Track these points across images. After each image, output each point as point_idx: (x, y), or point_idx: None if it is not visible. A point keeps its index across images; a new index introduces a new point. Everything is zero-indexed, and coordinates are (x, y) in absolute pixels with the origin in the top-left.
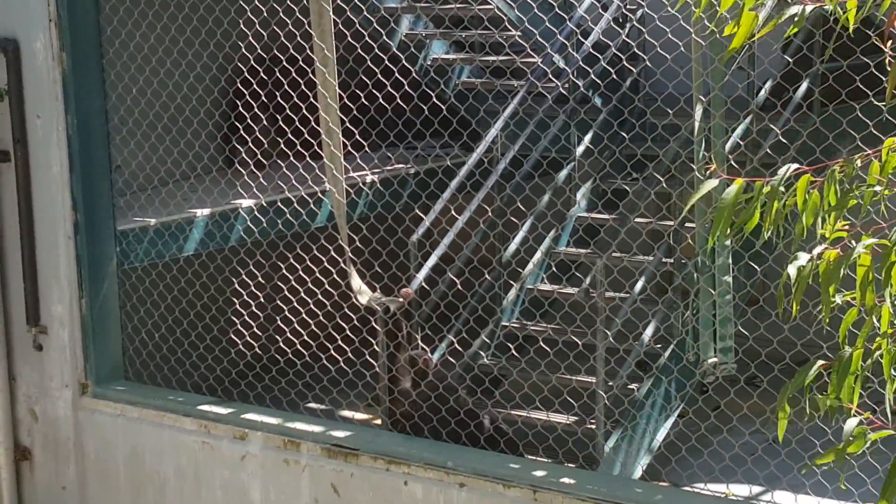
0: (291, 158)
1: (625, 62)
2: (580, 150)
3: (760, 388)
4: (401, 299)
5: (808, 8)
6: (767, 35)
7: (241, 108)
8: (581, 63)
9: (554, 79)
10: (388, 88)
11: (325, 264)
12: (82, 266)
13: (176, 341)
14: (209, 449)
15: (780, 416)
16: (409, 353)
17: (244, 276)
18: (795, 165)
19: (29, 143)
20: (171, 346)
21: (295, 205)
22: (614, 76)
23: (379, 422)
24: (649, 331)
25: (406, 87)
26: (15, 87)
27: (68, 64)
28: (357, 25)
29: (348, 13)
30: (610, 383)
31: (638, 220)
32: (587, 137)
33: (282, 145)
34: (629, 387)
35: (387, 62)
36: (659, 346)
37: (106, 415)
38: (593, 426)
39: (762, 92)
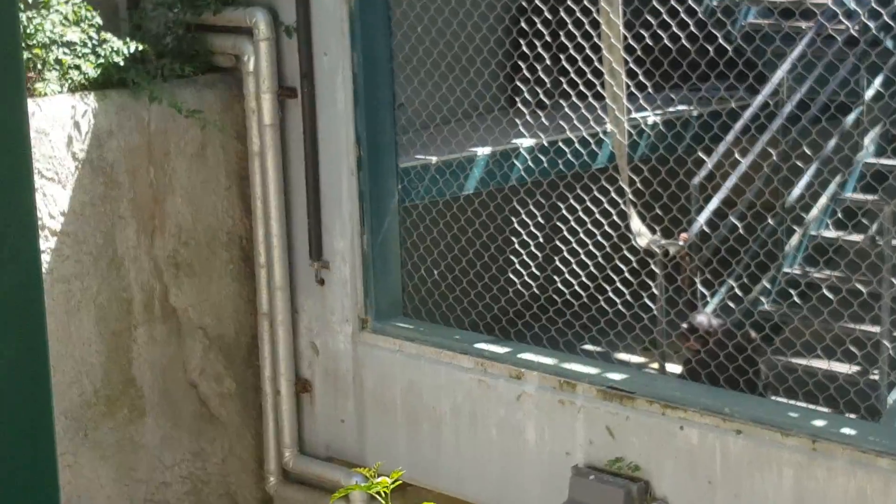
0: (573, 98)
1: None
2: (870, 93)
3: None
4: (680, 243)
5: None
6: None
7: (523, 48)
8: (873, 4)
9: (844, 20)
10: (673, 29)
11: (605, 205)
12: (364, 202)
13: (454, 279)
14: (485, 387)
15: None
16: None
17: (523, 216)
18: None
19: (315, 80)
20: (450, 283)
21: (576, 145)
22: None
23: (656, 366)
24: None
25: (691, 28)
26: (303, 25)
27: (355, 2)
28: None
29: None
30: (895, 333)
31: None
32: (877, 81)
33: (564, 85)
34: None
35: (672, 2)
36: None
37: (385, 350)
38: (876, 377)
39: None
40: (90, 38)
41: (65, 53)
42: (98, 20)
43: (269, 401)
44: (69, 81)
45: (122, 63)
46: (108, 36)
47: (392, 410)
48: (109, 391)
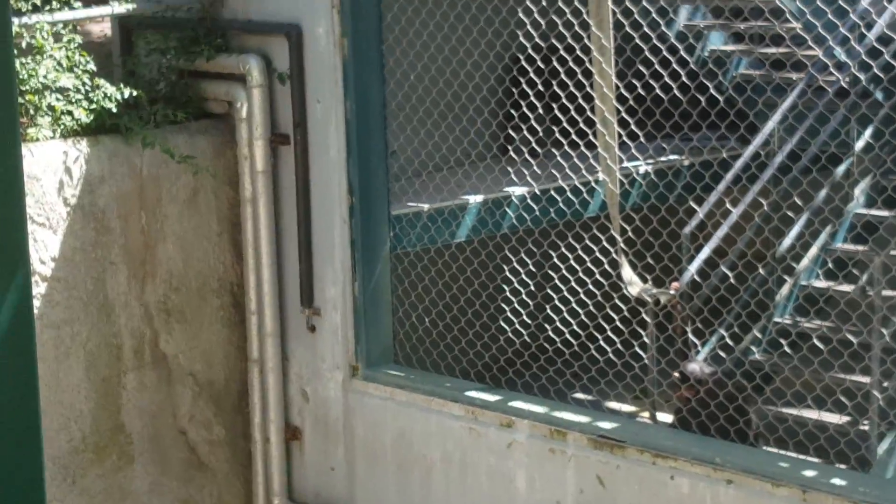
0: (566, 147)
1: None
2: (860, 144)
3: None
4: (671, 292)
5: None
6: None
7: (516, 97)
8: (864, 56)
9: (835, 72)
10: (665, 79)
11: (596, 254)
12: (356, 249)
13: (445, 327)
14: (476, 435)
15: None
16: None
17: (514, 264)
18: None
19: (308, 127)
20: (441, 331)
21: (568, 193)
22: None
23: (646, 415)
24: None
25: (683, 78)
26: (297, 72)
27: (349, 50)
28: (635, 15)
29: (627, 2)
30: (885, 384)
31: None
32: (868, 132)
33: (556, 134)
34: None
35: (664, 52)
36: None
37: (375, 398)
38: (867, 427)
39: None
40: (83, 83)
41: (57, 99)
42: (91, 66)
43: (258, 448)
44: (62, 127)
45: (114, 109)
46: (102, 82)
47: (382, 458)
48: (98, 438)
